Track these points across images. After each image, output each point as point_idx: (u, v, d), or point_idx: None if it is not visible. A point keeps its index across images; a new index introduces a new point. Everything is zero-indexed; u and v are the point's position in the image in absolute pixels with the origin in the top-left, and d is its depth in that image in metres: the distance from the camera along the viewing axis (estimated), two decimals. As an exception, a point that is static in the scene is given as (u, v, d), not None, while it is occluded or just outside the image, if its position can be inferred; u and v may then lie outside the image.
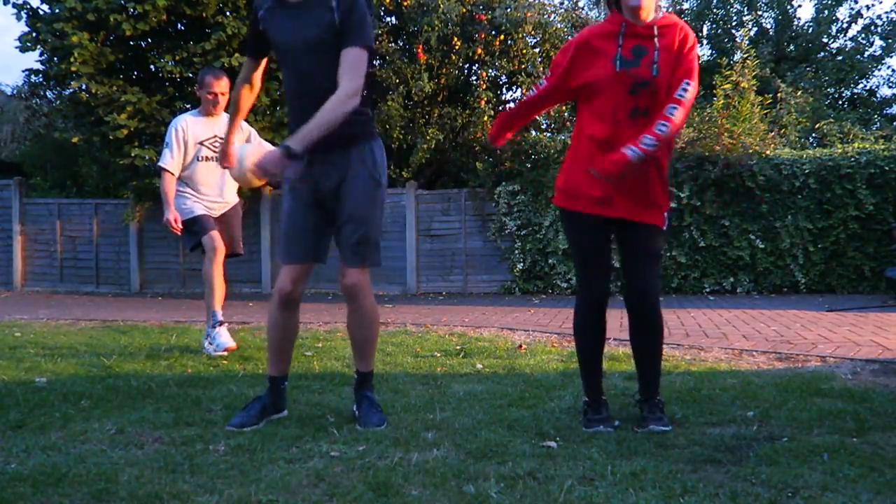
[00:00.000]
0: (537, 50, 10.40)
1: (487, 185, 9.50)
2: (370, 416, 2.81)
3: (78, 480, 2.19)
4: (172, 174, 4.52)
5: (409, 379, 3.72)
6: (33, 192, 11.88)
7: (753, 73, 9.08)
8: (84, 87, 9.51)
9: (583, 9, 11.92)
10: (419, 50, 9.78)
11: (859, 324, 5.62)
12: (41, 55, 9.86)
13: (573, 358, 4.28)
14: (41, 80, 10.64)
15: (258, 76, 3.07)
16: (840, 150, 8.70)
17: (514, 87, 11.00)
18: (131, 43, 9.92)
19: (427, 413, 2.98)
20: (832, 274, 8.51)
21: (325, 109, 2.60)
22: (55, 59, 9.59)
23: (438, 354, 4.50)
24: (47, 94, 13.55)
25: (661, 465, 2.28)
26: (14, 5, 9.75)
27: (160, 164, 4.57)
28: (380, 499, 2.04)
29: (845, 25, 15.27)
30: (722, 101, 8.77)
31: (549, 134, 10.11)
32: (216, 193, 4.66)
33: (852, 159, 8.40)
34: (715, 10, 15.58)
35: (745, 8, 15.28)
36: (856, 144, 9.15)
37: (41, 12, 9.79)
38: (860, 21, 15.20)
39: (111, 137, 9.43)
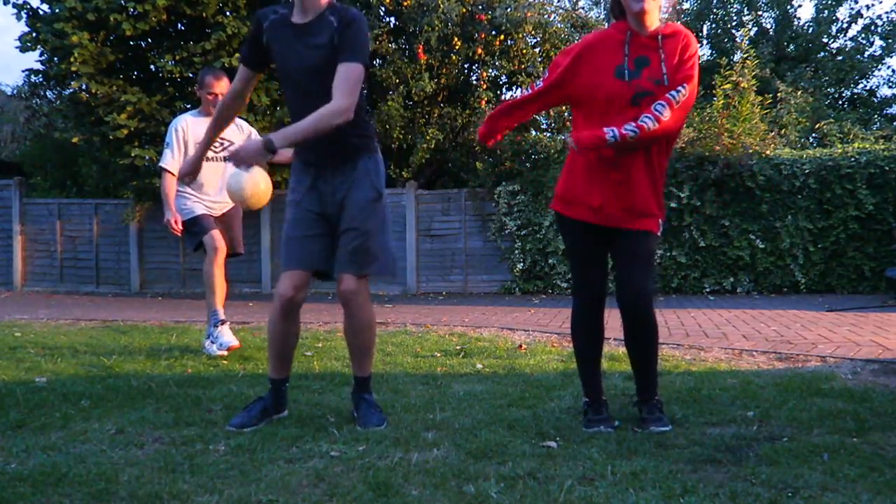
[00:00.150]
0: (537, 50, 10.40)
1: (487, 185, 9.50)
2: (369, 417, 2.81)
3: (78, 480, 2.19)
4: (173, 174, 4.51)
5: (409, 379, 3.72)
6: (33, 192, 11.89)
7: (753, 73, 9.08)
8: (84, 87, 9.51)
9: (583, 9, 11.92)
10: (419, 50, 9.78)
11: (859, 324, 5.62)
12: (41, 55, 9.86)
13: (573, 358, 4.26)
14: (41, 80, 10.64)
15: (250, 90, 3.02)
16: (840, 150, 8.70)
17: (514, 87, 11.00)
18: (131, 43, 9.92)
19: (427, 413, 2.98)
20: (832, 274, 8.51)
21: (314, 117, 2.61)
22: (55, 59, 9.60)
23: (438, 354, 4.50)
24: (47, 94, 13.56)
25: (661, 465, 2.28)
26: (14, 5, 9.76)
27: (160, 164, 4.57)
28: (380, 499, 2.04)
29: (845, 25, 15.28)
30: (722, 101, 8.76)
31: (549, 134, 10.12)
32: (217, 193, 4.66)
33: (852, 159, 8.40)
34: (715, 10, 15.58)
35: (745, 8, 15.28)
36: (856, 144, 9.15)
37: (41, 12, 9.80)
38: (860, 21, 15.21)
39: (111, 137, 9.43)
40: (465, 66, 10.65)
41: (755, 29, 14.91)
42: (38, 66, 10.11)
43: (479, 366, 4.10)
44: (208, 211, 4.63)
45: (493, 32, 10.01)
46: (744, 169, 8.39)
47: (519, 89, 10.73)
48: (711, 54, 15.09)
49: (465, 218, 9.81)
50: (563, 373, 3.85)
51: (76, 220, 11.14)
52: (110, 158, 10.12)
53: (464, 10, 9.94)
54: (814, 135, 11.15)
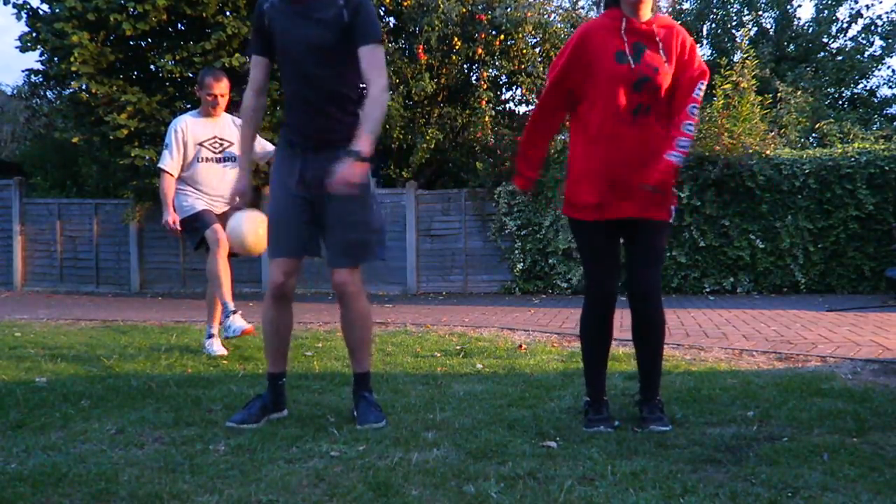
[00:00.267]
0: (537, 50, 10.41)
1: (487, 185, 9.50)
2: (368, 415, 2.81)
3: (78, 480, 2.19)
4: (172, 175, 4.51)
5: (409, 379, 3.72)
6: (33, 192, 11.89)
7: (753, 73, 9.08)
8: (84, 86, 9.51)
9: (583, 8, 11.92)
10: (419, 50, 9.79)
11: (859, 324, 5.62)
12: (41, 55, 9.86)
13: (573, 358, 4.29)
14: (41, 80, 10.65)
15: (267, 81, 2.95)
16: (840, 150, 8.70)
17: (513, 87, 11.01)
18: (131, 43, 9.92)
19: (427, 413, 2.98)
20: (832, 274, 8.51)
21: (373, 103, 2.65)
22: (55, 59, 9.60)
23: (438, 354, 4.50)
24: (47, 94, 13.58)
25: (661, 465, 2.28)
26: (14, 5, 9.76)
27: (159, 165, 4.56)
28: (380, 499, 2.04)
29: (845, 25, 15.26)
30: (722, 101, 8.77)
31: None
32: (217, 193, 4.65)
33: (852, 159, 8.40)
34: (715, 10, 15.57)
35: (745, 8, 15.27)
36: (856, 144, 9.15)
37: (41, 12, 9.79)
38: (860, 21, 15.20)
39: (111, 137, 9.43)
40: (465, 66, 10.65)
41: (755, 29, 14.90)
42: (38, 66, 10.12)
43: (479, 366, 4.10)
44: (209, 207, 4.62)
45: (493, 32, 10.01)
46: (744, 169, 8.39)
47: (519, 89, 10.74)
48: (711, 54, 15.08)
49: (465, 218, 9.81)
50: (563, 373, 3.85)
51: (76, 220, 11.14)
52: (110, 158, 10.12)
53: (464, 10, 9.94)
54: (814, 135, 11.15)
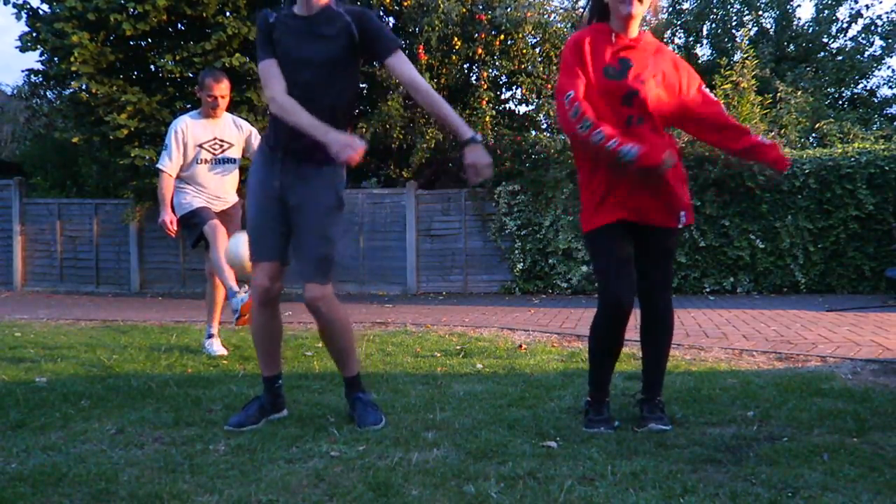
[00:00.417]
0: (537, 50, 10.40)
1: (487, 185, 9.50)
2: (366, 415, 2.81)
3: (78, 480, 2.19)
4: (171, 175, 4.51)
5: (409, 379, 3.72)
6: (33, 192, 11.89)
7: (753, 73, 9.09)
8: (84, 86, 9.51)
9: (582, 8, 11.91)
10: (419, 50, 9.78)
11: (859, 324, 5.62)
12: (41, 55, 9.86)
13: (573, 358, 4.29)
14: (41, 80, 10.64)
15: None
16: (840, 150, 8.70)
17: (513, 87, 11.00)
18: (131, 43, 9.92)
19: (427, 413, 2.98)
20: (832, 274, 8.51)
21: (434, 99, 2.74)
22: (55, 59, 9.59)
23: (438, 354, 4.50)
24: (47, 94, 13.57)
25: (661, 465, 2.28)
26: (14, 5, 9.75)
27: (158, 165, 4.56)
28: (380, 499, 2.04)
29: (845, 25, 15.26)
30: (722, 101, 8.76)
31: (548, 134, 10.12)
32: (215, 193, 4.65)
33: (852, 159, 8.40)
34: (715, 10, 15.57)
35: (745, 8, 15.27)
36: (856, 144, 9.15)
37: (41, 12, 9.79)
38: (860, 21, 15.20)
39: (111, 137, 9.43)
40: (465, 66, 10.65)
41: (755, 29, 14.91)
42: (38, 66, 10.11)
43: (479, 366, 4.10)
44: (207, 204, 4.61)
45: (493, 32, 10.01)
46: (744, 169, 8.39)
47: (519, 89, 10.74)
48: (711, 54, 15.09)
49: (465, 218, 9.81)
50: (563, 373, 3.85)
51: (76, 220, 11.14)
52: (110, 158, 10.12)
53: (464, 10, 9.94)
54: (814, 135, 11.15)
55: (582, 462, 2.33)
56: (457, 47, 9.99)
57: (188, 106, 9.16)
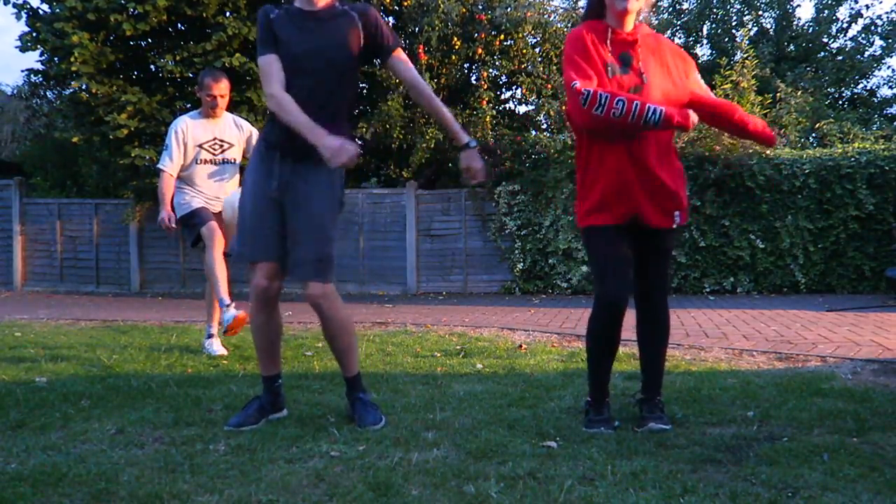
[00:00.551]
0: (537, 50, 10.41)
1: (487, 185, 9.50)
2: (366, 416, 2.81)
3: (78, 480, 2.19)
4: (171, 175, 4.52)
5: (409, 379, 3.72)
6: (33, 192, 11.89)
7: (753, 73, 9.08)
8: (84, 86, 9.51)
9: (582, 8, 11.92)
10: (419, 50, 9.79)
11: (859, 324, 5.62)
12: (41, 55, 9.86)
13: (573, 358, 4.29)
14: (41, 80, 10.64)
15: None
16: (840, 150, 8.70)
17: (513, 87, 11.00)
18: (131, 43, 9.92)
19: (427, 413, 2.98)
20: (832, 274, 8.51)
21: (434, 103, 2.84)
22: (55, 59, 9.59)
23: (438, 354, 4.50)
24: (47, 94, 13.57)
25: (661, 465, 2.28)
26: (14, 5, 9.75)
27: (159, 165, 4.57)
28: (380, 499, 2.04)
29: (845, 25, 15.27)
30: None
31: (548, 134, 10.11)
32: (214, 194, 4.65)
33: (852, 159, 8.40)
34: (715, 10, 15.57)
35: (745, 8, 15.27)
36: (856, 144, 9.15)
37: (41, 12, 9.79)
38: (860, 21, 15.20)
39: (111, 137, 9.43)
40: (465, 66, 10.65)
41: (755, 29, 14.90)
42: (38, 66, 10.12)
43: (479, 366, 4.10)
44: (207, 205, 4.62)
45: (493, 32, 10.01)
46: (744, 169, 8.39)
47: (519, 89, 10.73)
48: (711, 54, 15.08)
49: (465, 218, 9.81)
50: (563, 373, 3.85)
51: (76, 220, 11.14)
52: (110, 158, 10.12)
53: (464, 9, 9.94)
54: (814, 135, 11.15)
55: (582, 462, 2.33)
56: (457, 47, 9.99)
57: (188, 106, 9.17)
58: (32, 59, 36.29)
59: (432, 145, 9.95)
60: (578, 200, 2.80)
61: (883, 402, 3.07)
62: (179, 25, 10.05)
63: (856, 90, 15.42)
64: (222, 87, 4.53)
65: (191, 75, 9.50)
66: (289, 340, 4.97)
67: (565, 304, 7.90)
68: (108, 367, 4.11)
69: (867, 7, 19.64)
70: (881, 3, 32.15)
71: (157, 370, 4.02)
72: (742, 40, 11.06)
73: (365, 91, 10.47)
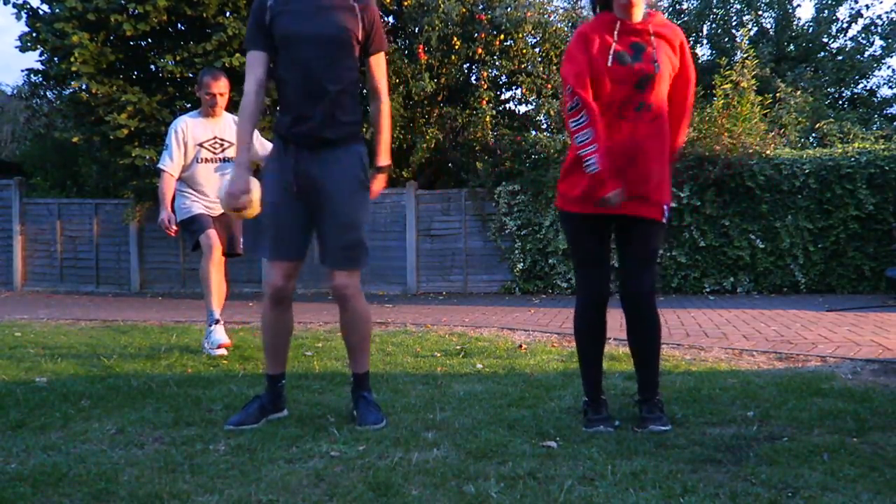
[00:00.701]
0: (537, 50, 10.40)
1: (487, 185, 9.50)
2: (367, 415, 2.81)
3: (78, 480, 2.19)
4: (172, 175, 4.52)
5: (409, 379, 3.72)
6: (33, 192, 11.89)
7: (753, 73, 9.08)
8: (84, 86, 9.51)
9: (583, 8, 11.91)
10: (419, 50, 9.78)
11: (859, 324, 5.62)
12: (41, 55, 9.86)
13: (573, 358, 4.29)
14: (41, 80, 10.64)
15: (267, 77, 2.87)
16: (840, 150, 8.69)
17: (514, 87, 11.00)
18: (131, 43, 9.92)
19: (427, 413, 2.98)
20: (832, 274, 8.51)
21: (385, 122, 2.94)
22: (55, 59, 9.59)
23: (438, 354, 4.50)
24: (47, 94, 13.55)
25: (661, 465, 2.28)
26: (14, 5, 9.75)
27: (159, 165, 4.58)
28: (380, 499, 2.04)
29: (845, 25, 15.25)
30: (722, 101, 8.76)
31: (549, 134, 10.12)
32: (216, 194, 4.65)
33: (852, 159, 8.39)
34: (715, 10, 15.56)
35: (745, 8, 15.27)
36: (856, 144, 9.14)
37: (41, 12, 9.79)
38: (860, 21, 15.18)
39: (111, 137, 9.43)
40: (465, 66, 10.65)
41: (755, 29, 14.89)
42: (38, 66, 10.11)
43: (479, 366, 4.10)
44: (207, 210, 4.63)
45: (493, 32, 10.00)
46: (744, 169, 8.39)
47: (519, 89, 10.73)
48: (711, 54, 15.07)
49: (465, 218, 9.80)
50: (563, 373, 3.85)
51: (76, 220, 11.14)
52: (110, 158, 10.11)
53: (464, 9, 9.94)
54: (814, 135, 11.15)
55: (582, 462, 2.33)
56: (457, 47, 9.98)
57: (188, 106, 9.17)
58: (32, 59, 36.28)
59: (432, 145, 9.95)
60: (563, 182, 2.80)
61: (883, 402, 3.07)
62: (179, 25, 10.05)
63: (856, 90, 15.41)
64: (221, 86, 4.54)
65: (191, 75, 9.50)
66: (289, 340, 4.97)
67: (565, 304, 7.90)
68: (108, 367, 4.11)
69: (867, 7, 19.61)
70: (881, 3, 32.15)
71: (157, 370, 4.02)
72: (742, 40, 11.05)
73: (365, 91, 10.46)
